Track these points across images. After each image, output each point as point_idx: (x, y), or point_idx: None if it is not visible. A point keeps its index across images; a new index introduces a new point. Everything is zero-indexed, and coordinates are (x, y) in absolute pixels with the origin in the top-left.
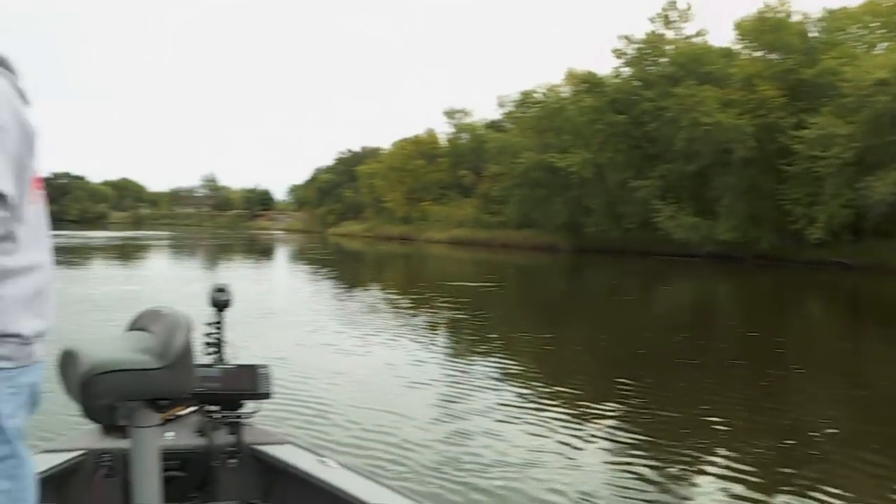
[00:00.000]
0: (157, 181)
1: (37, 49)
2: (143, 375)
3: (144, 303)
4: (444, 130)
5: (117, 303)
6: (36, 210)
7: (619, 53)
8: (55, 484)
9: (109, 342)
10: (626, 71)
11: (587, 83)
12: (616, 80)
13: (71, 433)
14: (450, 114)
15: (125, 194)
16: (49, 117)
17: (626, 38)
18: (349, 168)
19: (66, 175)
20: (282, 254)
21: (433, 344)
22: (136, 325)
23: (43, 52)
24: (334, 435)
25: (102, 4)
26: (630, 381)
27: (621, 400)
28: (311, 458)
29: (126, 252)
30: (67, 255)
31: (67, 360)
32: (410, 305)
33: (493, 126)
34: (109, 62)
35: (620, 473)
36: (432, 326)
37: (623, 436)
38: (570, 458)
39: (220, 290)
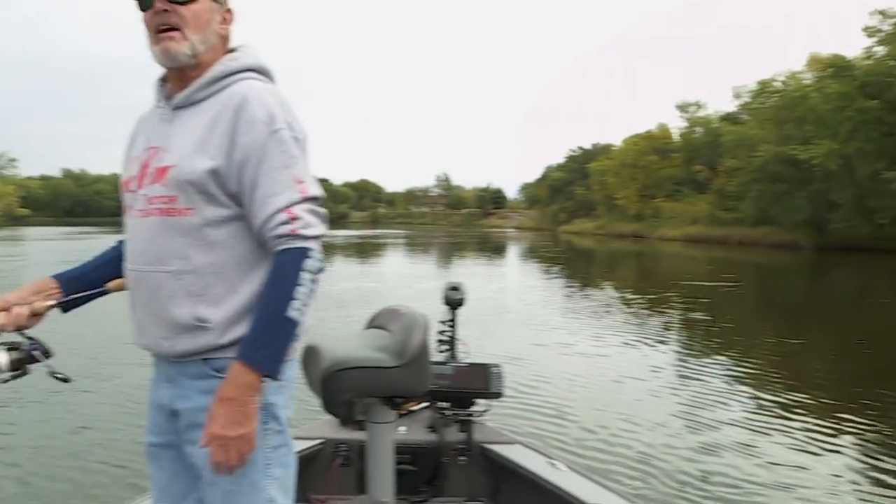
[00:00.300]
0: (393, 182)
1: (271, 60)
2: (381, 373)
3: (381, 300)
4: (676, 125)
5: (356, 299)
6: None
7: (871, 31)
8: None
9: (349, 339)
10: (880, 50)
11: (833, 67)
12: (867, 62)
13: (310, 422)
14: (682, 107)
15: (364, 195)
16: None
17: (882, 13)
18: (580, 165)
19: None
20: (513, 252)
21: (670, 346)
22: (375, 323)
23: (277, 63)
24: (566, 438)
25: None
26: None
27: (889, 418)
28: (540, 459)
29: (364, 250)
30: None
31: (310, 356)
32: (645, 305)
33: (728, 118)
34: (342, 70)
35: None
36: (668, 328)
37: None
38: (833, 483)
39: (454, 288)
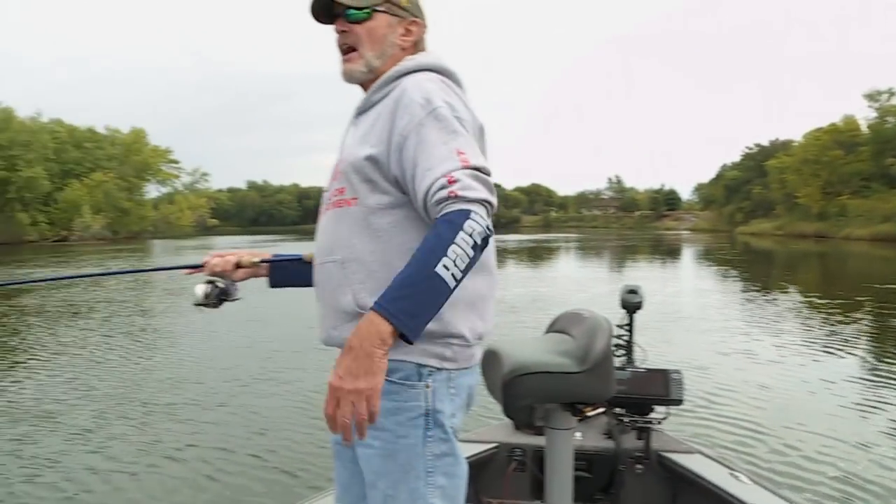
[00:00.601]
0: (565, 185)
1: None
2: (563, 379)
3: (555, 305)
4: (864, 115)
5: (529, 304)
6: None
7: None
8: (469, 473)
9: (530, 344)
10: None
11: None
12: None
13: (484, 426)
14: (872, 96)
15: (535, 199)
16: None
17: None
18: (758, 163)
19: None
20: (688, 254)
21: (866, 356)
22: (556, 328)
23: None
24: (751, 450)
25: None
26: None
27: None
28: (722, 470)
29: (536, 254)
30: None
31: (490, 360)
32: (834, 311)
33: None
34: (516, 74)
35: None
36: (863, 335)
37: None
38: None
39: (632, 291)
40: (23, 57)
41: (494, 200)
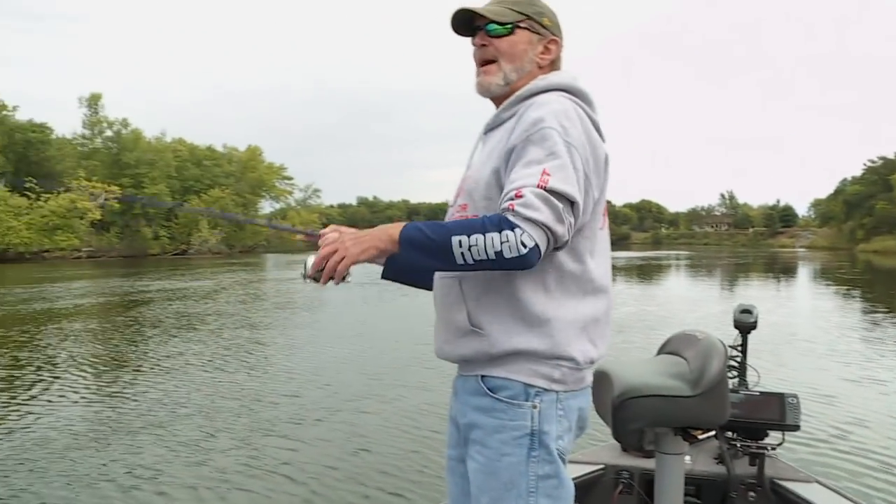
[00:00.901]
0: (675, 201)
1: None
2: (676, 403)
3: (665, 325)
4: None
5: (638, 323)
6: (603, 237)
7: None
8: (575, 494)
9: (642, 366)
10: None
11: None
12: None
13: (590, 448)
14: None
15: (645, 215)
16: None
17: None
18: (882, 177)
19: None
20: (805, 273)
21: None
22: (668, 349)
23: None
24: (878, 484)
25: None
26: None
27: None
28: (842, 502)
29: (646, 272)
30: None
31: (600, 381)
32: None
33: None
34: (640, 92)
35: None
36: None
37: None
38: None
39: (746, 311)
40: (148, 78)
41: (558, 228)
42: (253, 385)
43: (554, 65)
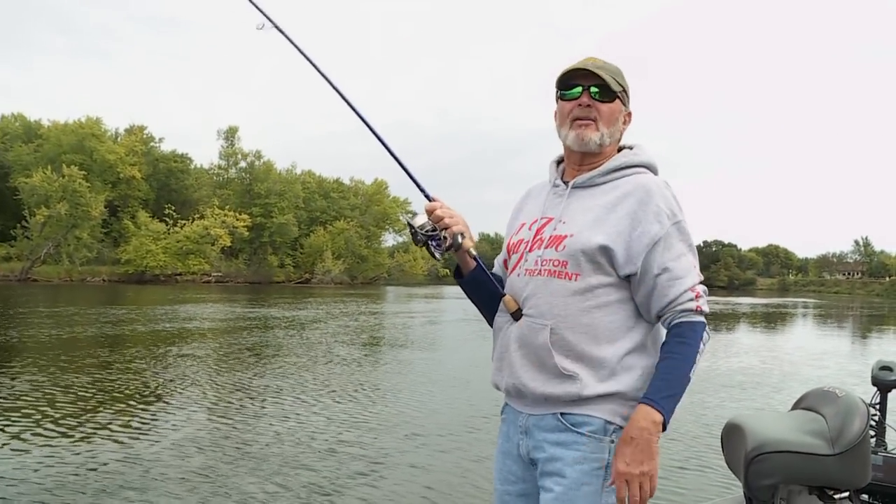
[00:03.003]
0: (804, 247)
1: (693, 125)
2: (814, 461)
3: (792, 380)
4: None
5: (762, 377)
6: None
7: None
8: None
9: (777, 420)
10: None
11: None
12: None
13: (716, 498)
14: None
15: (772, 261)
16: (704, 189)
17: None
18: None
19: (718, 243)
20: None
21: None
22: (804, 405)
23: (699, 128)
24: None
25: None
26: None
27: None
28: None
29: (771, 320)
30: (713, 321)
31: (732, 434)
32: None
33: None
34: (768, 133)
35: None
36: None
37: None
38: None
39: (886, 368)
40: (284, 111)
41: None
42: (346, 421)
43: (622, 136)
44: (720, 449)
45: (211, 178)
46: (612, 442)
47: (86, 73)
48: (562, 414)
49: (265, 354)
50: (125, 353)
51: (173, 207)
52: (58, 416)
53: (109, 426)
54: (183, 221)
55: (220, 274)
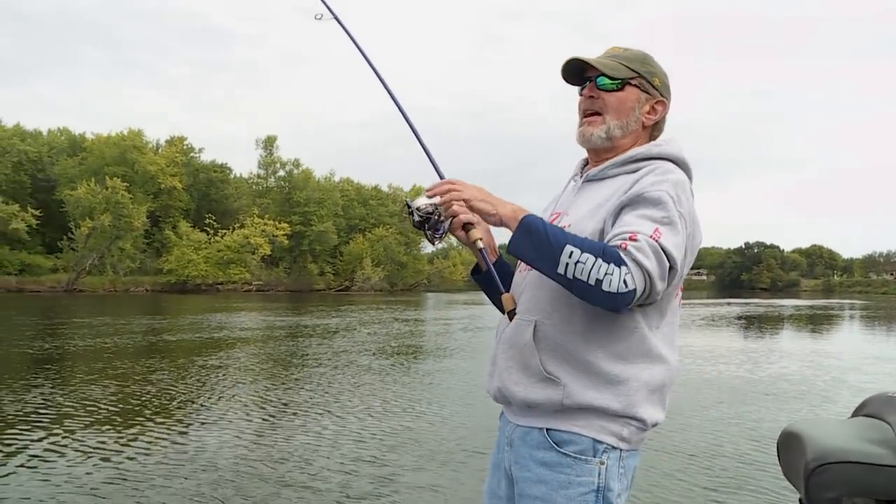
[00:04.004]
0: (849, 247)
1: (732, 125)
2: (881, 472)
3: (842, 385)
4: None
5: (810, 382)
6: (677, 309)
7: None
8: None
9: (839, 428)
10: None
11: None
12: None
13: None
14: None
15: (816, 261)
16: (745, 190)
17: None
18: None
19: (760, 244)
20: None
21: None
22: (865, 412)
23: (738, 127)
24: None
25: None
26: None
27: None
28: None
29: (816, 322)
30: (755, 324)
31: (791, 442)
32: None
33: None
34: (802, 132)
35: None
36: None
37: None
38: None
39: None
40: (324, 115)
41: (658, 284)
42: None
43: (658, 126)
44: (776, 459)
45: (250, 187)
46: (603, 464)
47: (127, 86)
48: (548, 430)
49: (297, 364)
50: (160, 364)
51: (214, 217)
52: (92, 424)
53: (137, 436)
54: (223, 231)
55: (260, 283)
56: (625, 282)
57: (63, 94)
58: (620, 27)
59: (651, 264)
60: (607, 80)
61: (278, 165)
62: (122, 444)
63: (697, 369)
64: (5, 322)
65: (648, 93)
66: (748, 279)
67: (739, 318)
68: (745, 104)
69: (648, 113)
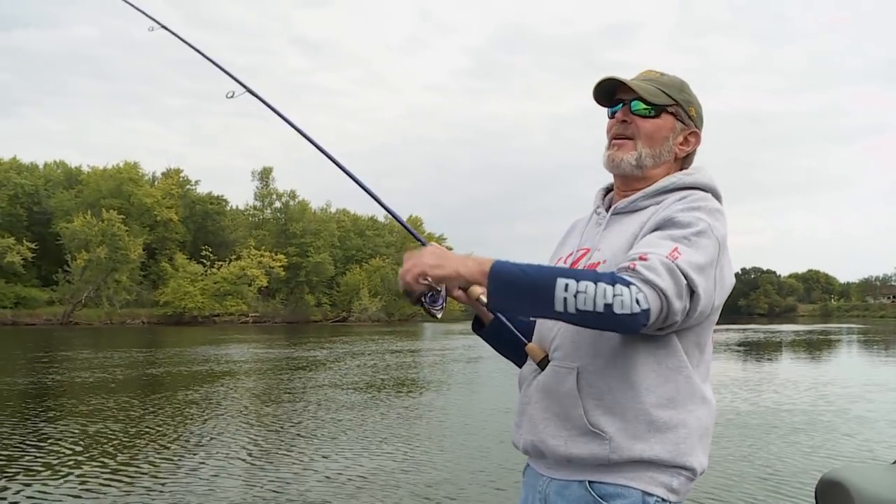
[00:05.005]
0: (846, 271)
1: (727, 150)
2: None
3: (870, 424)
4: None
5: (825, 419)
6: (711, 344)
7: None
8: None
9: (884, 476)
10: None
11: None
12: None
13: None
14: None
15: (813, 286)
16: (740, 213)
17: None
18: None
19: (757, 269)
20: None
21: None
22: None
23: (733, 152)
24: None
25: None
26: None
27: None
28: None
29: (816, 347)
30: (755, 350)
31: (833, 493)
32: None
33: None
34: (795, 158)
35: None
36: None
37: None
38: None
39: None
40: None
41: (676, 303)
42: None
43: (688, 159)
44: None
45: (247, 218)
46: None
47: (124, 118)
48: (590, 482)
49: (289, 399)
50: (157, 397)
51: (210, 249)
52: (93, 457)
53: (139, 467)
54: (220, 263)
55: (257, 314)
56: (637, 301)
57: (59, 127)
58: (618, 58)
59: (664, 283)
60: (642, 106)
61: (274, 197)
62: (109, 479)
63: None
64: (0, 355)
65: (684, 122)
66: (745, 305)
67: (740, 344)
68: (741, 129)
69: (682, 144)
